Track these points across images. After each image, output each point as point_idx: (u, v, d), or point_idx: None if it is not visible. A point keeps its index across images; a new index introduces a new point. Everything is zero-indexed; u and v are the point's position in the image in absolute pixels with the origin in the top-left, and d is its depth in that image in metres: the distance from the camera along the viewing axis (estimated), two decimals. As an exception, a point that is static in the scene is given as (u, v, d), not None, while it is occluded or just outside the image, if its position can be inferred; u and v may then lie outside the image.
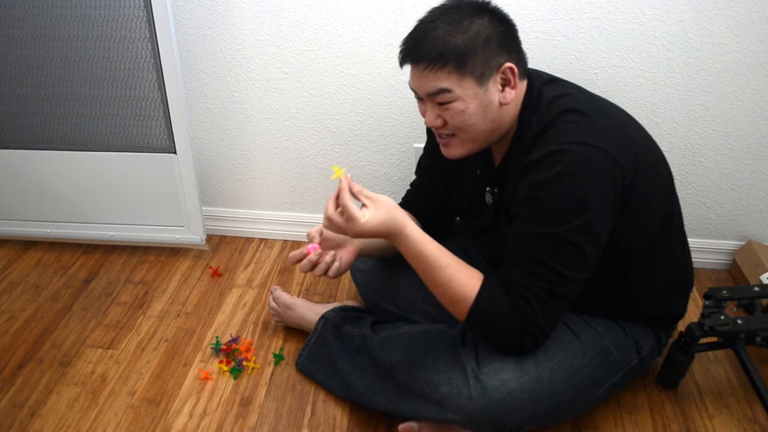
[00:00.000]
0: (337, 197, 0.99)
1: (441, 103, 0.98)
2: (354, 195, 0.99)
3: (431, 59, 0.94)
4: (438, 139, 1.06)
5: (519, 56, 1.00)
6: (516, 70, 0.97)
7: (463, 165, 1.17)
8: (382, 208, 0.98)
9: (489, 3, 0.99)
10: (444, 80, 0.95)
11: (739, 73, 1.37)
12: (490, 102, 0.98)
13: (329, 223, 0.98)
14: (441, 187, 1.28)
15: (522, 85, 1.02)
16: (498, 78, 0.97)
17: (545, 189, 0.93)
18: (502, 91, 0.98)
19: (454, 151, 1.05)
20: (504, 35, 0.96)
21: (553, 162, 0.92)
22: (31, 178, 1.62)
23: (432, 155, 1.26)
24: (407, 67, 1.00)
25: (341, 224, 0.97)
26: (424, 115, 1.03)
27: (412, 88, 1.01)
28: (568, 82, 1.08)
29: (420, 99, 1.02)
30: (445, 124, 1.01)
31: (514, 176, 1.01)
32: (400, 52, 0.99)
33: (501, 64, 0.96)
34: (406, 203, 1.33)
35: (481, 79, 0.95)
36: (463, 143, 1.03)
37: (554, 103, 0.99)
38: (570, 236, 0.93)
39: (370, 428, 1.21)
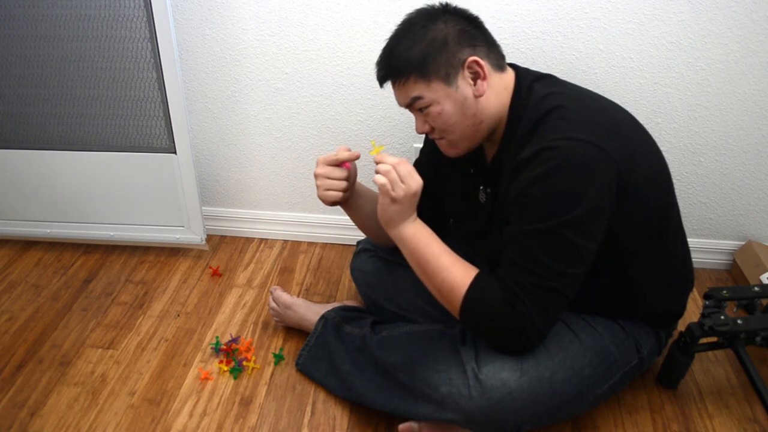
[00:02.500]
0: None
1: (421, 110, 1.02)
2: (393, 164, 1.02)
3: (396, 75, 1.00)
4: (437, 143, 1.09)
5: (489, 47, 1.01)
6: (482, 61, 0.98)
7: (457, 165, 1.18)
8: (417, 177, 1.02)
9: (446, 5, 1.02)
10: (413, 89, 1.00)
11: (739, 73, 1.37)
12: (465, 98, 0.99)
13: (392, 168, 1.00)
14: (434, 189, 1.27)
15: (503, 77, 1.03)
16: (466, 73, 0.98)
17: (536, 185, 0.94)
18: (474, 84, 0.99)
19: (450, 151, 1.08)
20: (463, 32, 0.98)
21: (544, 159, 0.93)
22: (31, 178, 1.62)
23: (428, 156, 1.26)
24: None
25: (404, 173, 1.00)
26: None
27: (398, 104, 1.06)
28: (560, 79, 1.08)
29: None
30: (432, 129, 1.04)
31: (506, 174, 1.02)
32: (376, 74, 1.05)
33: (464, 60, 0.98)
34: None
35: (448, 78, 0.98)
36: (455, 142, 1.05)
37: (545, 100, 1.00)
38: (562, 230, 0.93)
39: (370, 428, 1.21)
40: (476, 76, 0.99)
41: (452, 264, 1.03)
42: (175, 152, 1.53)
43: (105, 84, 1.46)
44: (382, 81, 1.04)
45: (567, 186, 0.92)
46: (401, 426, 1.16)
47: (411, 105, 1.02)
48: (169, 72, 1.40)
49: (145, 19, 1.37)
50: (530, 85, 1.03)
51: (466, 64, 0.98)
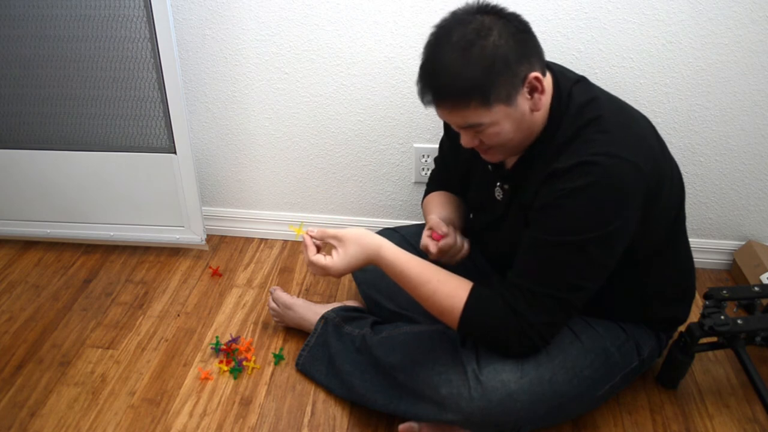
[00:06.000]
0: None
1: (476, 131, 0.97)
2: (320, 239, 1.05)
3: (454, 101, 0.92)
4: (477, 149, 1.04)
5: (539, 54, 0.96)
6: (541, 76, 0.93)
7: (477, 158, 1.16)
8: (350, 244, 1.02)
9: (490, 7, 0.93)
10: (472, 116, 0.93)
11: (739, 73, 1.37)
12: (522, 114, 0.95)
13: (312, 268, 1.05)
14: (456, 167, 1.27)
15: (547, 82, 0.98)
16: (525, 90, 0.93)
17: (571, 198, 0.92)
18: (531, 98, 0.95)
19: (493, 158, 1.04)
20: (519, 44, 0.91)
21: (582, 173, 0.91)
22: (31, 178, 1.62)
23: (449, 137, 1.25)
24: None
25: (321, 272, 1.04)
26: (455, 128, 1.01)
27: (443, 119, 1.00)
28: (592, 83, 1.05)
29: None
30: (482, 142, 1.00)
31: (536, 179, 0.99)
32: (419, 93, 0.96)
33: (525, 77, 0.92)
34: (434, 181, 1.36)
35: (509, 99, 0.92)
36: (502, 153, 1.03)
37: (585, 108, 0.97)
38: (588, 247, 0.93)
39: (370, 428, 1.21)
40: (534, 90, 0.94)
41: (438, 288, 1.02)
42: (175, 152, 1.53)
43: (105, 84, 1.46)
44: (431, 105, 0.95)
45: (602, 204, 0.91)
46: (401, 426, 1.16)
47: (466, 128, 0.97)
48: (169, 72, 1.40)
49: (145, 19, 1.36)
50: (570, 91, 0.99)
51: (527, 81, 0.92)
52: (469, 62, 0.89)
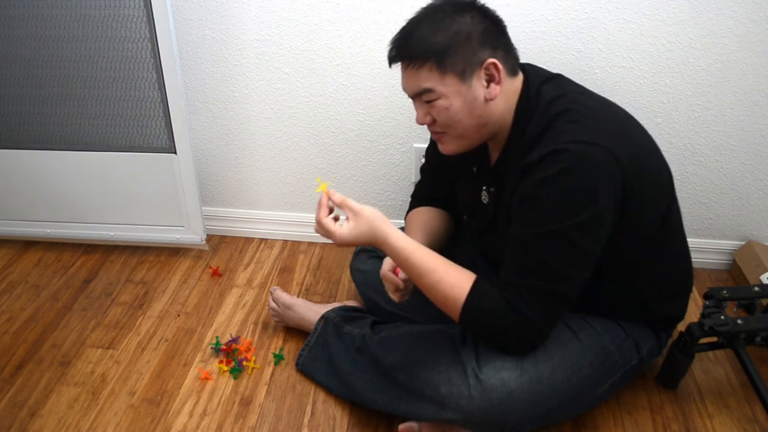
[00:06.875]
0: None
1: (427, 101, 1.00)
2: (338, 206, 1.04)
3: (412, 58, 0.98)
4: (432, 136, 1.08)
5: (507, 52, 1.00)
6: (500, 65, 0.97)
7: (462, 162, 1.17)
8: (362, 221, 1.02)
9: (474, 1, 1.00)
10: (426, 79, 0.97)
11: (739, 73, 1.37)
12: (475, 98, 0.98)
13: (319, 228, 1.04)
14: (445, 177, 1.27)
15: (514, 81, 1.02)
16: (482, 74, 0.97)
17: (546, 187, 0.93)
18: (487, 87, 0.98)
19: (446, 147, 1.07)
20: (487, 31, 0.97)
21: (554, 161, 0.92)
22: (31, 178, 1.62)
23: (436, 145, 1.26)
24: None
25: (325, 234, 1.04)
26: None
27: (403, 88, 1.04)
28: (568, 80, 1.08)
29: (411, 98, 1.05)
30: (434, 121, 1.03)
31: (512, 177, 1.01)
32: (388, 52, 1.02)
33: (483, 61, 0.96)
34: (419, 194, 1.35)
35: (463, 75, 0.96)
36: (454, 140, 1.04)
37: (555, 103, 0.99)
38: (570, 233, 0.93)
39: (370, 428, 1.21)
40: (491, 79, 0.98)
41: (443, 277, 1.01)
42: (175, 152, 1.53)
43: (105, 84, 1.46)
44: (393, 61, 1.01)
45: (577, 189, 0.92)
46: (401, 426, 1.16)
47: (419, 95, 1.00)
48: (169, 72, 1.40)
49: (145, 19, 1.37)
50: (538, 89, 1.02)
51: (485, 65, 0.97)
52: (436, 29, 0.96)
